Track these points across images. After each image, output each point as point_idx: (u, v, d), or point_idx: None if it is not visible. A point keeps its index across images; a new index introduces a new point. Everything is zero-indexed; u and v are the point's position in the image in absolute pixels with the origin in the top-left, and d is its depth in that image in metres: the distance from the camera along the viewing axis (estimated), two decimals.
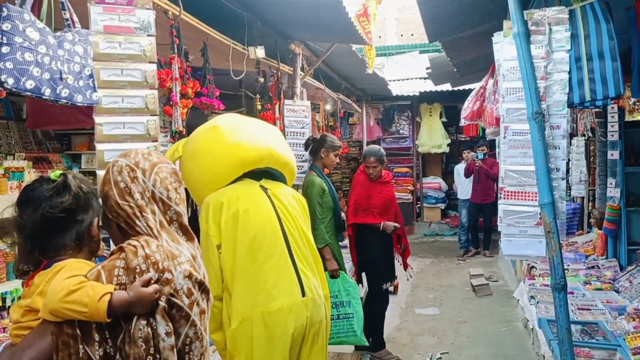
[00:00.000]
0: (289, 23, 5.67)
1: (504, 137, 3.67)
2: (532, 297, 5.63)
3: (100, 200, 1.84)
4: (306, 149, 5.24)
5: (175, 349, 1.67)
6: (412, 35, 16.53)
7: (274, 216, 2.77)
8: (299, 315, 2.63)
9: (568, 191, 8.34)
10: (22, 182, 4.87)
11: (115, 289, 1.61)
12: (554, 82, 3.53)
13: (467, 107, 5.78)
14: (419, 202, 13.05)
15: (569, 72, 3.50)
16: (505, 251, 3.72)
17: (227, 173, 2.78)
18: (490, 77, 5.20)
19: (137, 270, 1.65)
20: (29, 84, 2.43)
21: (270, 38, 5.71)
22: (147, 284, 1.63)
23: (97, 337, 1.61)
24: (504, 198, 3.64)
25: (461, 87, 10.18)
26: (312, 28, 5.89)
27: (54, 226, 1.76)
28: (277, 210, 2.80)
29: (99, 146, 2.87)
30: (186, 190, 2.23)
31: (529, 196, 3.59)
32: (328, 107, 10.38)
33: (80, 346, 1.58)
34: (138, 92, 2.96)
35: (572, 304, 5.14)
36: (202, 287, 1.80)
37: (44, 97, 2.52)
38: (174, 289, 1.70)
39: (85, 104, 2.76)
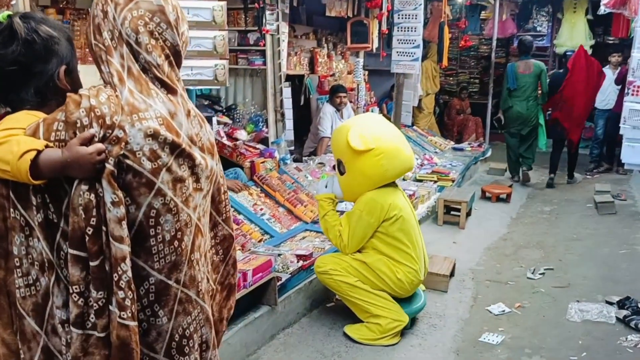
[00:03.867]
0: None
1: None
2: None
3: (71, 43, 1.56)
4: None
5: (126, 221, 1.41)
6: None
7: (414, 216, 3.97)
8: (418, 275, 3.88)
9: None
10: None
11: (48, 146, 1.37)
12: None
13: None
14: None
15: None
16: (625, 159, 3.12)
17: (397, 175, 3.78)
18: None
19: (78, 125, 1.38)
20: None
21: None
22: (87, 141, 1.37)
23: (34, 200, 1.40)
24: (632, 95, 2.98)
25: None
26: None
27: (6, 80, 1.49)
28: (412, 210, 3.96)
29: None
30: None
31: None
32: None
33: (13, 209, 1.40)
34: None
35: None
36: (179, 151, 1.50)
37: None
38: (129, 149, 1.42)
39: None
